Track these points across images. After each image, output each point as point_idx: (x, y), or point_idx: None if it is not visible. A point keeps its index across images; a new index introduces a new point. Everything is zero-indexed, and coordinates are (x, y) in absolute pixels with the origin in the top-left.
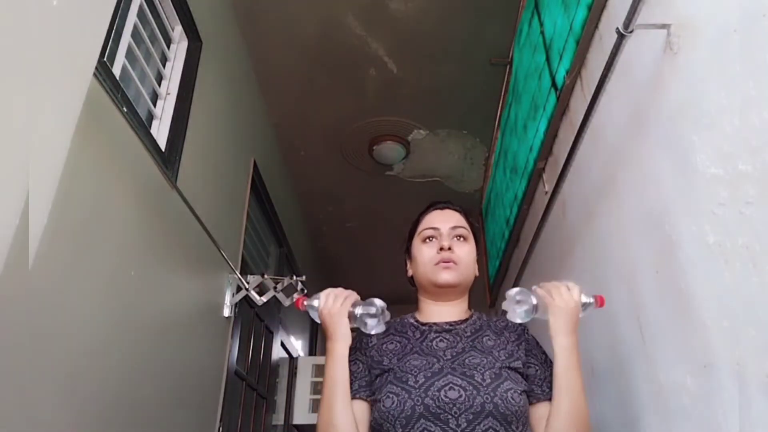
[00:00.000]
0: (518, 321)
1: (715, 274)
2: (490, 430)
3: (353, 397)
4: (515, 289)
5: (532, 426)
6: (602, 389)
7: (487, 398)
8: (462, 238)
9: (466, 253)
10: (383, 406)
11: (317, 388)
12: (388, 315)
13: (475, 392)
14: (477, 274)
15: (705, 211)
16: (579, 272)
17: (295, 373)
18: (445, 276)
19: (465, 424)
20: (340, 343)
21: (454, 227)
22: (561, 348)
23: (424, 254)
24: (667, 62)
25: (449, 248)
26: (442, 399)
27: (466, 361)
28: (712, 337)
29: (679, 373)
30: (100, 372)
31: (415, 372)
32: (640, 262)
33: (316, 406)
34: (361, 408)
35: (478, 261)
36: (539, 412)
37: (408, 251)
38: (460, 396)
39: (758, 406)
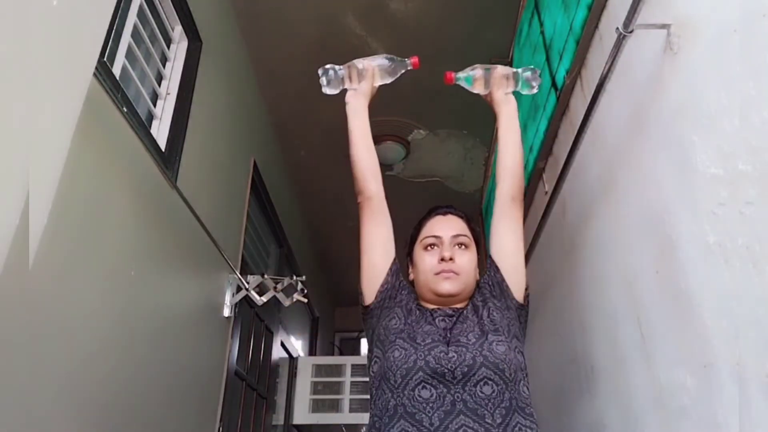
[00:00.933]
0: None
1: (715, 274)
2: (485, 379)
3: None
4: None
5: (498, 204)
6: (602, 389)
7: (476, 353)
8: (463, 246)
9: (467, 261)
10: (391, 356)
11: (317, 388)
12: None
13: (464, 350)
14: (478, 278)
15: (705, 211)
16: (579, 272)
17: (295, 373)
18: (446, 286)
19: (460, 376)
20: (358, 97)
21: (456, 235)
22: (514, 116)
23: (426, 262)
24: (667, 62)
25: (450, 258)
26: (441, 358)
27: (454, 331)
28: (712, 337)
29: (679, 373)
30: (99, 372)
31: (424, 334)
32: (640, 262)
33: (316, 406)
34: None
35: (480, 265)
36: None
37: (410, 255)
38: (454, 356)
39: (758, 406)
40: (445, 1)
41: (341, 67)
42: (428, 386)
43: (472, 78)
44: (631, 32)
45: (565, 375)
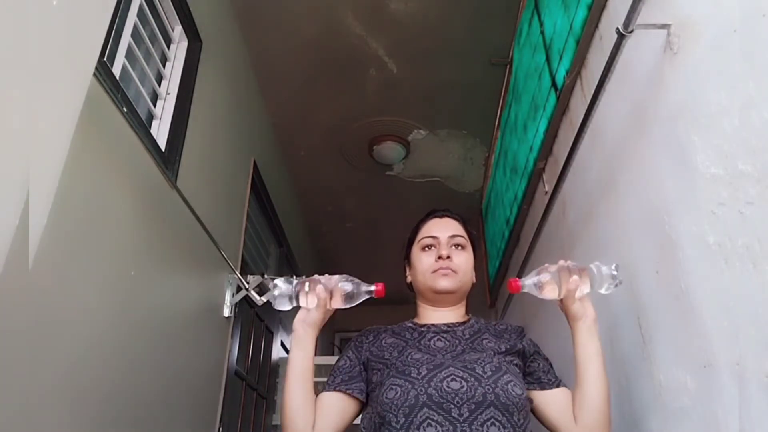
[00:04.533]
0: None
1: (715, 274)
2: (492, 419)
3: (331, 389)
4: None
5: (551, 411)
6: None
7: (488, 389)
8: (460, 247)
9: (464, 261)
10: (386, 397)
11: (317, 389)
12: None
13: (476, 383)
14: (474, 281)
15: (705, 211)
16: None
17: None
18: (444, 283)
19: (467, 414)
20: (306, 328)
21: (453, 236)
22: (594, 333)
23: (423, 262)
24: (667, 62)
25: (447, 257)
26: (444, 389)
27: (466, 357)
28: (712, 337)
29: (679, 373)
30: (99, 371)
31: (417, 365)
32: (640, 262)
33: None
34: (336, 398)
35: (477, 267)
36: (552, 398)
37: (407, 258)
38: (462, 387)
39: (758, 406)
40: (445, 1)
41: (298, 281)
42: (434, 423)
43: (537, 285)
44: (631, 32)
45: (565, 375)
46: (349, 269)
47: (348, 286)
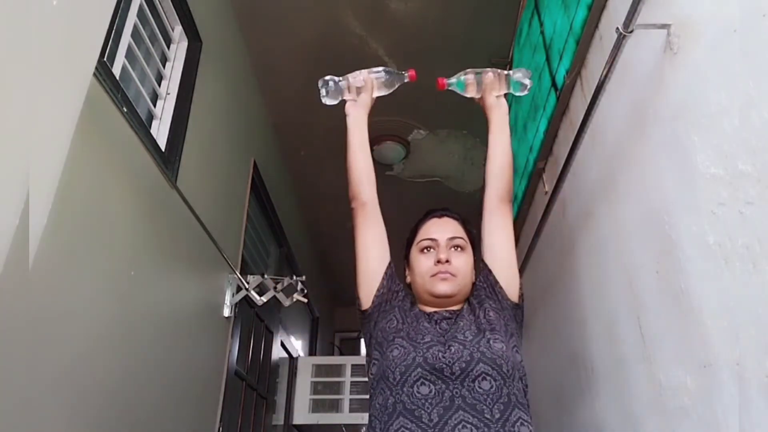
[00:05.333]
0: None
1: (715, 274)
2: (483, 374)
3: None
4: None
5: (487, 187)
6: (602, 389)
7: (473, 349)
8: (459, 248)
9: (463, 263)
10: (391, 354)
11: (317, 389)
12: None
13: (461, 347)
14: (474, 280)
15: (705, 211)
16: (579, 272)
17: (295, 373)
18: (443, 287)
19: (459, 372)
20: (358, 108)
21: (452, 238)
22: (506, 121)
23: (422, 265)
24: (667, 62)
25: (447, 260)
26: (439, 357)
27: (456, 334)
28: (712, 337)
29: (679, 373)
30: (99, 372)
31: (423, 332)
32: (640, 262)
33: (316, 406)
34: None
35: (476, 267)
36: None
37: (406, 258)
38: (452, 353)
39: (758, 406)
40: (445, 1)
41: (341, 78)
42: (427, 382)
43: (464, 83)
44: (631, 32)
45: (565, 375)
46: (349, 269)
47: (383, 75)
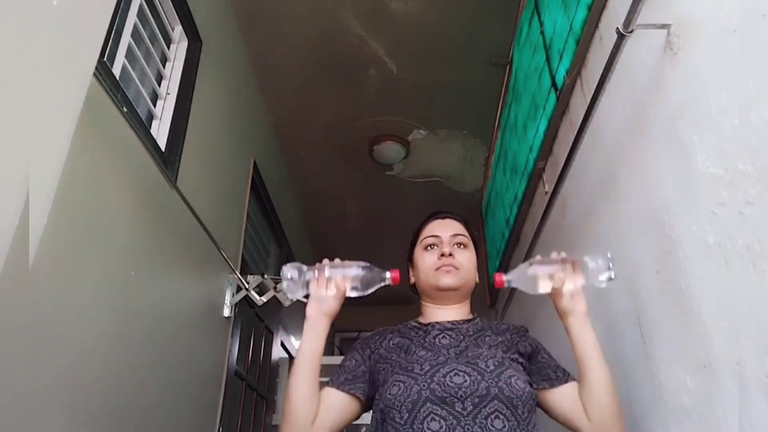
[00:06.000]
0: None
1: (715, 274)
2: (496, 412)
3: (334, 386)
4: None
5: (564, 407)
6: None
7: (491, 383)
8: (462, 246)
9: (466, 258)
10: (389, 393)
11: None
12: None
13: (479, 377)
14: (477, 281)
15: (705, 211)
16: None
17: None
18: (447, 280)
19: (471, 407)
20: (321, 317)
21: (455, 235)
22: (586, 327)
23: (426, 261)
24: (667, 62)
25: (450, 254)
26: (447, 384)
27: (469, 353)
28: (712, 337)
29: (679, 373)
30: (99, 372)
31: (421, 361)
32: (640, 262)
33: None
34: (338, 396)
35: (478, 268)
36: (564, 394)
37: (410, 260)
38: (465, 381)
39: (758, 406)
40: (445, 1)
41: (309, 268)
42: (437, 418)
43: (526, 278)
44: (631, 32)
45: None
46: None
47: (361, 273)
